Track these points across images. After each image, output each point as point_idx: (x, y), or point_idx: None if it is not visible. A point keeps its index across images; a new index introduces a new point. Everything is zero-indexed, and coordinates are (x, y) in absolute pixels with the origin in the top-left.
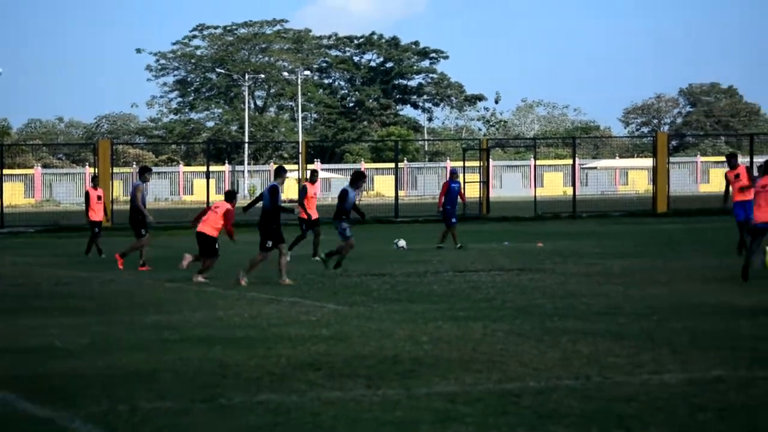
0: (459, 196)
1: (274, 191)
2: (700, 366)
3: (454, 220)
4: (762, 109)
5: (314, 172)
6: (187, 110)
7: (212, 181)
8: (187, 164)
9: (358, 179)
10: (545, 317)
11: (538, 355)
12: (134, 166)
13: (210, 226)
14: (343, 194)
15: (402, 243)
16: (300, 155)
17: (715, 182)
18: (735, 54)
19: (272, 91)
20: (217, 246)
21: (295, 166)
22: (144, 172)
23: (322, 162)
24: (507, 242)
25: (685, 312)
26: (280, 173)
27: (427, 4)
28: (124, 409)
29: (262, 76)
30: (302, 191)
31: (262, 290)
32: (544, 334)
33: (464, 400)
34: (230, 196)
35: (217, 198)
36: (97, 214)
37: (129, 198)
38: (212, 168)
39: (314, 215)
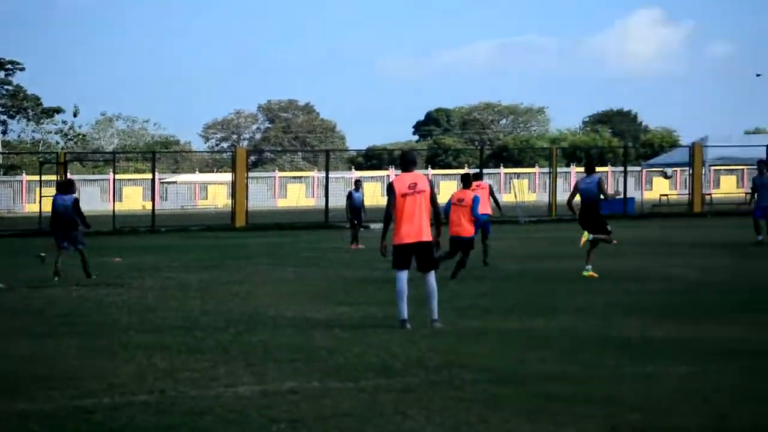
0: None
1: None
2: (275, 378)
3: None
4: (338, 126)
5: None
6: None
7: None
8: None
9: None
10: (121, 332)
11: (112, 370)
12: None
13: None
14: (77, 202)
15: None
16: None
17: (292, 197)
18: (312, 71)
19: None
20: None
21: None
22: None
23: None
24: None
25: (262, 325)
26: None
27: (1, 15)
28: None
29: None
30: None
31: None
32: (119, 349)
33: (36, 417)
34: None
35: None
36: None
37: None
38: None
39: None
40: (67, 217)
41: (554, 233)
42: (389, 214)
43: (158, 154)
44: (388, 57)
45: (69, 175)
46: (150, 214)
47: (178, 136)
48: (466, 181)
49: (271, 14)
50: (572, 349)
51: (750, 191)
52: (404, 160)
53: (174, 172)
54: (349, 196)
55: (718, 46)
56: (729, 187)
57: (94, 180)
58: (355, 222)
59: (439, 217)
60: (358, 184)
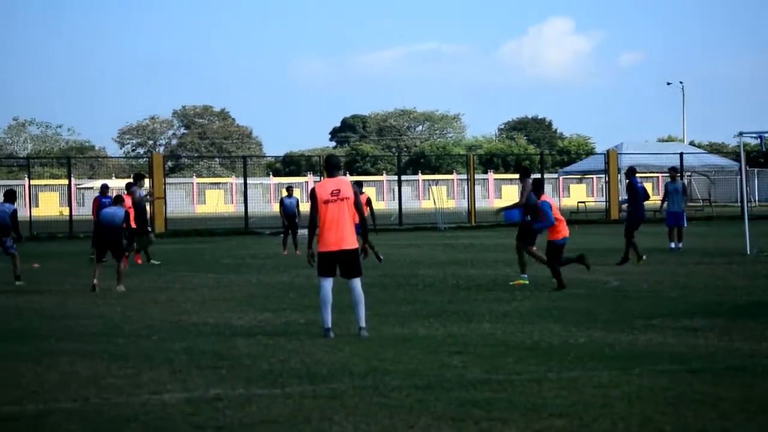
0: None
1: None
2: (199, 385)
3: None
4: (254, 132)
5: None
6: None
7: None
8: None
9: (12, 197)
10: (43, 339)
11: (35, 377)
12: None
13: None
14: (15, 212)
15: None
16: None
17: (210, 203)
18: (227, 76)
19: None
20: None
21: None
22: (139, 179)
23: None
24: (1, 264)
25: (184, 332)
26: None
27: None
28: None
29: None
30: None
31: None
32: (41, 356)
33: None
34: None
35: None
36: None
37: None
38: None
39: None
40: (3, 224)
41: (474, 240)
42: (314, 221)
43: (74, 160)
44: (302, 62)
45: None
46: (67, 219)
47: (93, 142)
48: (539, 186)
49: (185, 17)
50: (494, 355)
51: (662, 198)
52: (328, 165)
53: (90, 177)
54: (281, 202)
55: (628, 56)
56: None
57: (9, 186)
58: (289, 228)
59: (366, 224)
60: (290, 190)
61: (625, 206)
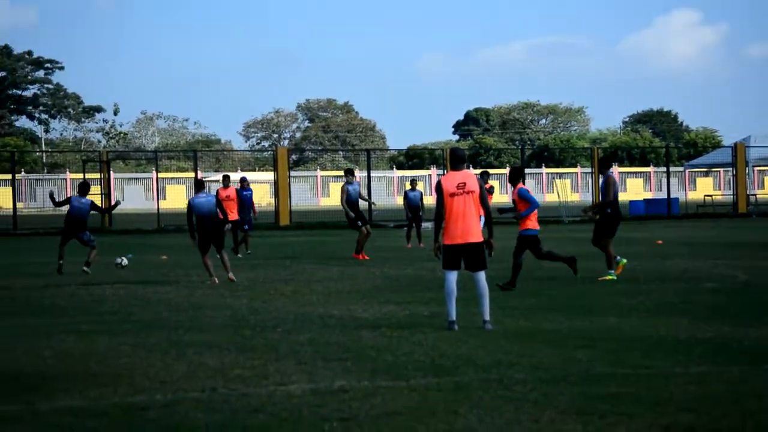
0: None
1: None
2: (325, 376)
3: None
4: (377, 125)
5: None
6: None
7: None
8: None
9: (87, 189)
10: (171, 330)
11: (164, 367)
12: None
13: None
14: (93, 204)
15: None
16: None
17: (334, 196)
18: (350, 70)
19: None
20: None
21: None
22: (348, 174)
23: None
24: (130, 255)
25: (309, 323)
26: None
27: (40, 14)
28: None
29: None
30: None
31: None
32: (170, 347)
33: (89, 414)
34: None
35: None
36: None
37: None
38: None
39: None
40: (81, 219)
41: None
42: (440, 214)
43: (200, 153)
44: (425, 56)
45: (112, 174)
46: None
47: (219, 135)
48: (519, 174)
49: (309, 12)
50: (620, 349)
51: None
52: (453, 158)
53: (216, 170)
54: (405, 195)
55: (756, 48)
56: None
57: (138, 178)
58: (413, 221)
59: (491, 217)
60: (413, 183)
61: None
